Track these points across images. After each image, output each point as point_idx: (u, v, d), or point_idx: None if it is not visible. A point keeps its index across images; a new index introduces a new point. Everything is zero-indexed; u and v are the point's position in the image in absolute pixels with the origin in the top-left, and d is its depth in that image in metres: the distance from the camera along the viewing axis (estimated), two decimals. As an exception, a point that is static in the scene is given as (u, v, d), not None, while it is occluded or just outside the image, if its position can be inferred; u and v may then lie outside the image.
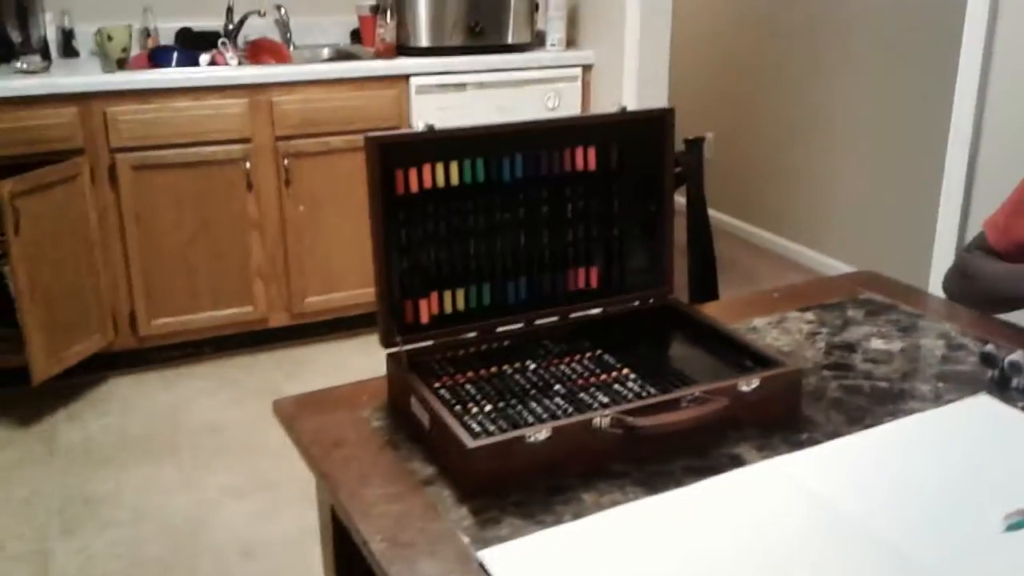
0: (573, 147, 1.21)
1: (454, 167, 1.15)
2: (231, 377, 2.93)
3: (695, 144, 2.74)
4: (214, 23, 3.19)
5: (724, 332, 1.20)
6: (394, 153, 1.10)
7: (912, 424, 1.09)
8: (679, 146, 2.86)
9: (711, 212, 4.35)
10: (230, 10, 3.17)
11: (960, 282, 1.50)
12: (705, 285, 2.79)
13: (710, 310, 1.45)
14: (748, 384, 1.05)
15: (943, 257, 2.38)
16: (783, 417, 1.09)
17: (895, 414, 1.11)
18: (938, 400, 1.14)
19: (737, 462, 1.00)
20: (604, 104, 3.26)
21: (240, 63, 3.01)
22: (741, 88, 4.17)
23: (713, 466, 0.99)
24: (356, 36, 3.39)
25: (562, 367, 1.15)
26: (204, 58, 3.02)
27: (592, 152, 1.23)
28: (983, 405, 1.14)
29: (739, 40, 4.16)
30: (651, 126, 1.27)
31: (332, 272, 3.07)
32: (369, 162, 1.08)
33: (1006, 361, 1.18)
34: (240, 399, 2.77)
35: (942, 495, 0.95)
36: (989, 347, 1.22)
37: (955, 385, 1.18)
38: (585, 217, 1.25)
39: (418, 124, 2.96)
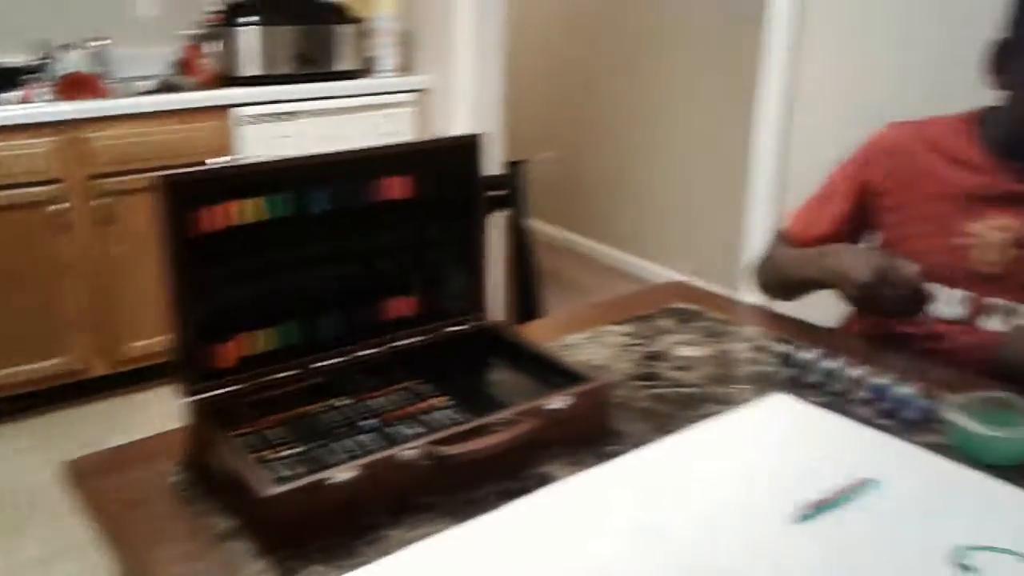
0: (385, 176, 1.21)
1: (259, 202, 1.12)
2: (46, 434, 2.75)
3: (516, 167, 2.79)
4: (24, 58, 3.03)
5: (537, 352, 1.22)
6: (190, 191, 1.07)
7: (712, 427, 1.13)
8: (501, 168, 2.92)
9: (551, 229, 4.48)
10: (42, 44, 3.02)
11: (759, 269, 1.59)
12: (527, 305, 2.84)
13: (531, 330, 1.48)
14: (556, 403, 1.07)
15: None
16: (593, 432, 1.11)
17: (697, 418, 1.15)
18: (741, 402, 1.20)
19: (546, 480, 1.02)
20: (440, 129, 3.28)
21: (53, 99, 2.87)
22: (575, 103, 4.27)
23: (524, 487, 1.00)
24: (181, 67, 3.29)
25: (377, 400, 1.15)
26: (13, 95, 2.86)
27: (404, 181, 1.22)
28: (781, 403, 1.19)
29: (569, 54, 4.26)
30: (461, 152, 1.28)
31: (158, 314, 2.95)
32: (158, 202, 1.04)
33: (801, 359, 1.25)
34: (55, 458, 2.60)
35: (738, 493, 1.00)
36: (786, 347, 1.29)
37: (757, 386, 1.24)
38: (399, 246, 1.25)
39: (235, 156, 2.93)
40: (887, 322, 1.46)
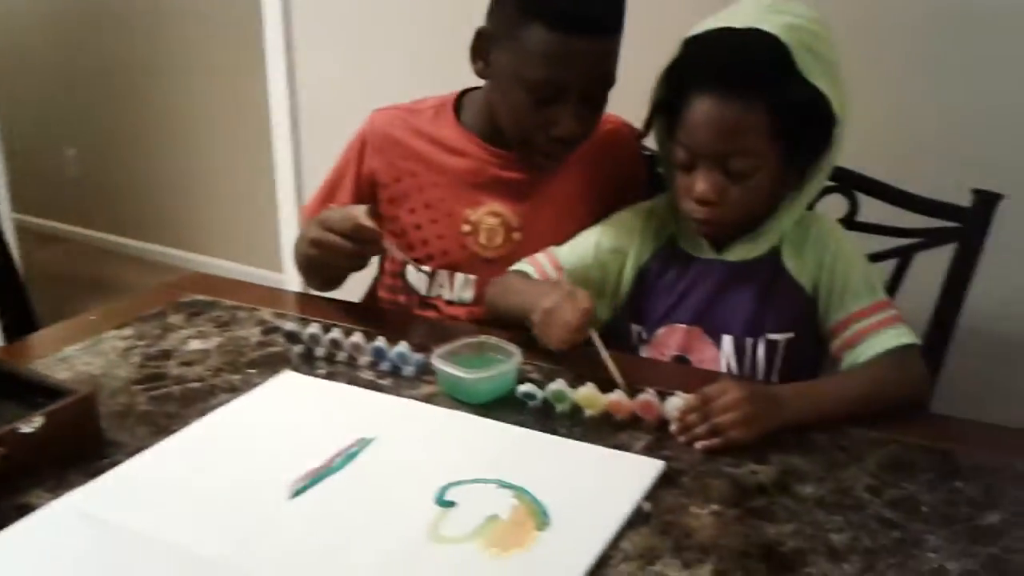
0: None
1: None
2: None
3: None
4: None
5: (13, 372, 1.11)
6: None
7: (216, 418, 1.10)
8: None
9: (86, 232, 4.14)
10: None
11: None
12: (16, 322, 2.55)
13: (23, 347, 1.34)
14: (29, 425, 0.97)
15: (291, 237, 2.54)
16: (81, 448, 1.03)
17: (204, 412, 1.12)
18: (248, 387, 1.18)
19: (26, 511, 0.92)
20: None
21: None
22: (94, 102, 3.95)
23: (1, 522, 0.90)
24: None
25: None
26: None
27: None
28: (286, 381, 1.20)
29: (82, 47, 3.92)
30: None
31: None
32: None
33: (306, 334, 1.26)
34: None
35: (237, 479, 0.98)
36: (290, 325, 1.29)
37: (268, 368, 1.23)
38: None
39: None
40: (407, 303, 1.52)
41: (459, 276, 1.47)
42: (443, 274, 1.48)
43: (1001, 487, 0.97)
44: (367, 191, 1.52)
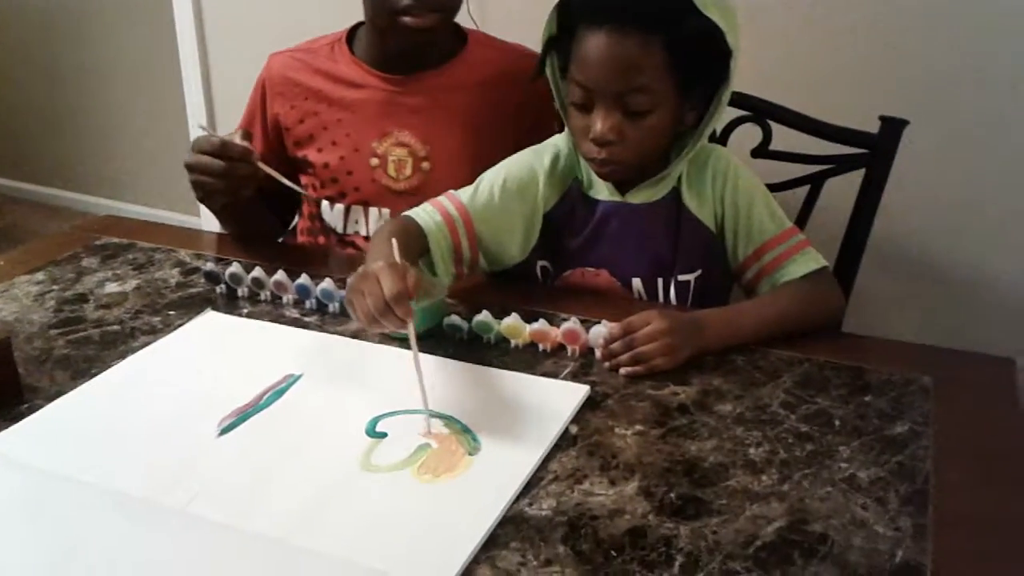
0: None
1: None
2: None
3: None
4: None
5: (-79, 320, 1.07)
6: None
7: (137, 360, 1.09)
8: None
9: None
10: None
11: None
12: None
13: (-73, 296, 1.29)
14: (-58, 372, 0.95)
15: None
16: (1, 395, 1.00)
17: (125, 354, 1.10)
18: (170, 328, 1.16)
19: (-57, 460, 0.90)
20: None
21: None
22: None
23: (-85, 474, 0.88)
24: None
25: None
26: None
27: None
28: (209, 321, 1.19)
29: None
30: None
31: None
32: None
33: (227, 274, 1.25)
34: None
35: (168, 420, 0.97)
36: (209, 265, 1.27)
37: (187, 310, 1.21)
38: None
39: None
40: (327, 244, 1.50)
41: (373, 211, 1.47)
42: (358, 210, 1.47)
43: (908, 400, 1.02)
44: (274, 136, 1.51)
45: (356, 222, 1.48)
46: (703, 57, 1.13)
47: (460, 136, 1.45)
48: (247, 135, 1.29)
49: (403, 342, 1.11)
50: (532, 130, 1.39)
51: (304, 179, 1.51)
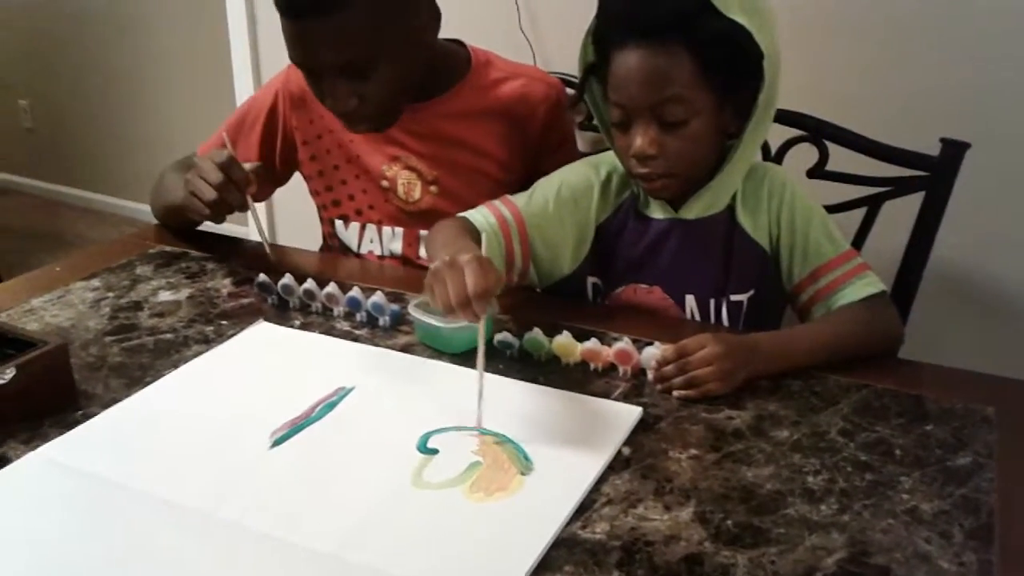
0: None
1: None
2: None
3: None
4: None
5: (-19, 324, 1.08)
6: None
7: (191, 369, 1.09)
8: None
9: (31, 182, 4.05)
10: None
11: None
12: None
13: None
14: (1, 376, 0.96)
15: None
16: (55, 400, 1.01)
17: (178, 363, 1.11)
18: (222, 338, 1.17)
19: (1, 463, 0.91)
20: None
21: None
22: (49, 48, 3.83)
23: (-27, 477, 0.89)
24: None
25: None
26: None
27: None
28: (261, 332, 1.19)
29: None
30: None
31: None
32: None
33: (280, 285, 1.25)
34: None
35: (220, 430, 0.97)
36: (262, 276, 1.28)
37: (239, 320, 1.22)
38: None
39: None
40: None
41: (386, 230, 1.47)
42: (372, 228, 1.48)
43: (971, 430, 0.99)
44: (281, 143, 1.50)
45: (371, 241, 1.49)
46: (733, 60, 1.12)
47: (469, 160, 1.43)
48: (258, 168, 1.30)
49: (449, 356, 1.11)
50: (558, 150, 1.42)
51: (319, 196, 1.52)
